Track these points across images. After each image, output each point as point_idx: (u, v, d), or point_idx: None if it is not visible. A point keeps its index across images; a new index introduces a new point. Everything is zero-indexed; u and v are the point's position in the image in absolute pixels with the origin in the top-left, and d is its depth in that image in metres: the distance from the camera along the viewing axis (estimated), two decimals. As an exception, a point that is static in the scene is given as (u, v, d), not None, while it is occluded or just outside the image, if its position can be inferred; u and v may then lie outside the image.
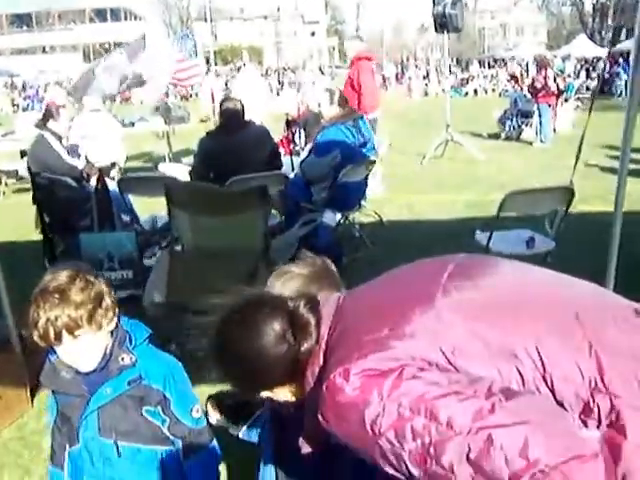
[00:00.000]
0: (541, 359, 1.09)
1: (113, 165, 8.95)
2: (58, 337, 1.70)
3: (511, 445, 0.99)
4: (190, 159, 11.05)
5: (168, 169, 9.06)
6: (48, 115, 6.25)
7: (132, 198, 5.65)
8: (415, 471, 1.06)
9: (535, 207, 4.78)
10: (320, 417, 1.17)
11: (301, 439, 1.36)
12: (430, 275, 1.35)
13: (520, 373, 1.09)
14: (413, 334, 1.14)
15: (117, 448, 1.83)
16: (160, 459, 1.89)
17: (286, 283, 1.55)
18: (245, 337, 1.32)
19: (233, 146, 5.02)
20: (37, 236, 6.63)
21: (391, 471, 1.11)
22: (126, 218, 5.35)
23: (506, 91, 28.19)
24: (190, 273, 4.14)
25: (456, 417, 1.03)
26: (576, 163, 5.50)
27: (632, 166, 4.16)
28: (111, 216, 4.93)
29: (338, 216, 5.89)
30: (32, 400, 3.69)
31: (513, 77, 18.65)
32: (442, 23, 10.93)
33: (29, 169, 5.85)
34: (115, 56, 9.28)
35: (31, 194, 5.57)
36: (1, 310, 3.77)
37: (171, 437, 1.90)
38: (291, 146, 7.47)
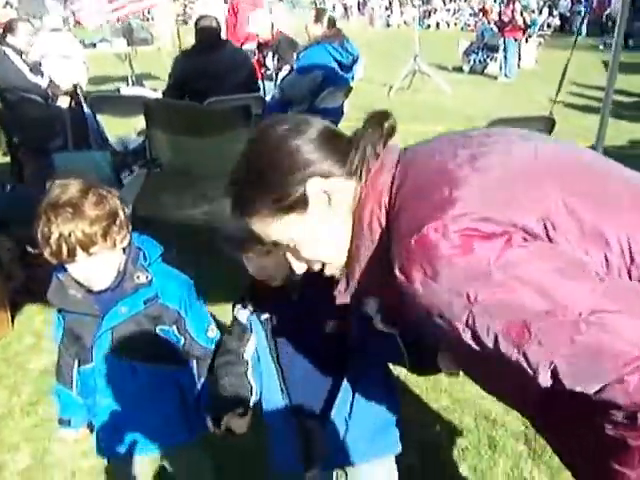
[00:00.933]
0: (630, 251, 1.01)
1: (75, 87, 8.58)
2: (71, 254, 1.57)
3: (623, 331, 0.91)
4: (153, 82, 10.73)
5: (131, 92, 8.74)
6: (6, 30, 5.89)
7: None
8: (505, 346, 0.96)
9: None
10: (399, 274, 1.02)
11: (342, 291, 1.22)
12: (522, 143, 1.16)
13: (607, 260, 1.01)
14: (510, 201, 1.02)
15: (133, 367, 1.76)
16: (175, 378, 1.82)
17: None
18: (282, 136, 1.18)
19: (210, 67, 4.78)
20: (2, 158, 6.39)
21: (472, 342, 1.00)
22: (98, 139, 5.14)
23: (468, 25, 27.95)
24: (164, 191, 3.99)
25: (567, 295, 0.94)
26: (556, 98, 5.53)
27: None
28: (87, 136, 4.71)
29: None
30: (12, 322, 3.61)
31: (482, 10, 18.36)
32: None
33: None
34: None
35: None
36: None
37: (186, 356, 1.83)
38: (262, 70, 7.22)
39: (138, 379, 1.78)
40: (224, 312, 1.92)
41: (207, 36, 5.00)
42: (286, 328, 1.66)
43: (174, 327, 1.79)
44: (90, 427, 1.95)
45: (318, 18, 5.31)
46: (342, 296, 1.24)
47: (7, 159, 5.76)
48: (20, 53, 5.74)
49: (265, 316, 1.67)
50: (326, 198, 1.15)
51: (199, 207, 3.78)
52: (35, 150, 4.91)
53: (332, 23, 5.38)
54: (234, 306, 1.74)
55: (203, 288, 1.89)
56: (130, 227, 1.70)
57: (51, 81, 6.15)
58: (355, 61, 5.43)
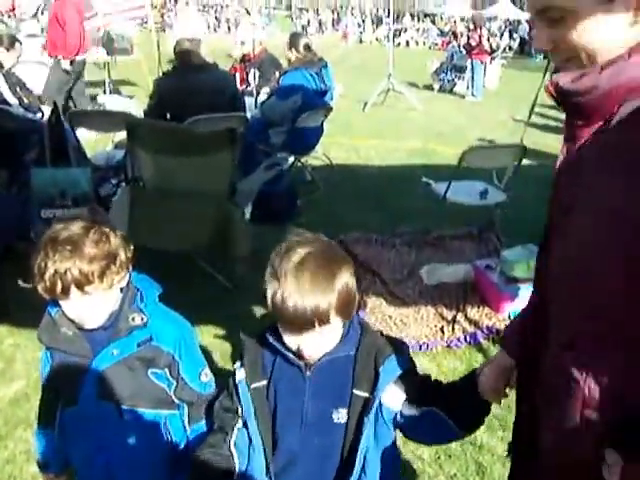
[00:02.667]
0: None
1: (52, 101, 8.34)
2: (65, 291, 1.48)
3: None
4: (130, 90, 10.51)
5: (108, 100, 8.55)
6: None
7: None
8: None
9: (491, 161, 4.80)
10: None
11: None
12: None
13: None
14: None
15: (120, 411, 1.62)
16: (164, 423, 1.69)
17: (302, 266, 1.34)
18: None
19: (192, 88, 4.66)
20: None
21: None
22: (77, 154, 4.92)
23: (436, 44, 28.23)
24: (152, 213, 3.86)
25: None
26: (528, 122, 5.52)
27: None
28: (65, 151, 4.50)
29: (291, 159, 5.69)
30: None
31: (453, 33, 18.72)
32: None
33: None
34: None
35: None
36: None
37: (177, 401, 1.70)
38: (244, 85, 7.10)
39: (125, 424, 1.64)
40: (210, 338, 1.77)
41: (189, 57, 4.85)
42: (288, 405, 1.48)
43: (166, 370, 1.66)
44: (70, 472, 1.80)
45: (292, 44, 5.26)
46: (565, 76, 1.09)
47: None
48: (1, 67, 5.51)
49: (259, 384, 1.48)
50: None
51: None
52: (9, 162, 4.68)
53: (308, 48, 5.33)
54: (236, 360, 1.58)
55: (186, 313, 1.77)
56: (130, 267, 1.62)
57: (26, 89, 5.94)
58: (329, 90, 5.42)
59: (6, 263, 4.14)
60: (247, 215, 4.09)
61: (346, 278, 1.38)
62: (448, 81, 13.94)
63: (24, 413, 2.81)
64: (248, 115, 5.37)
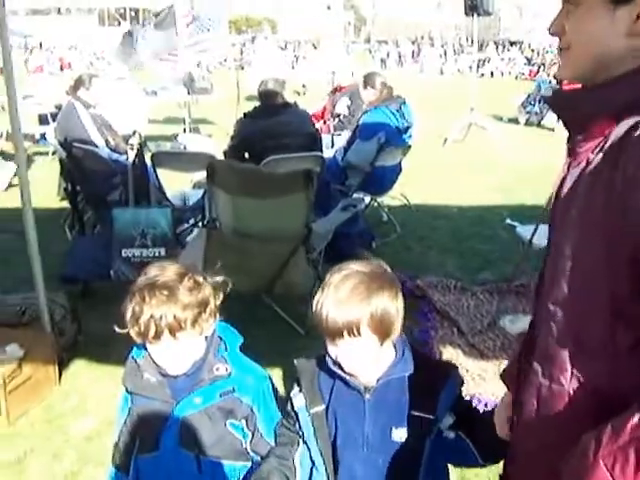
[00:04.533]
0: None
1: (134, 133, 8.81)
2: (158, 336, 1.59)
3: None
4: (209, 129, 10.97)
5: (187, 139, 8.94)
6: (78, 83, 6.06)
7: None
8: None
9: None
10: None
11: None
12: None
13: None
14: None
15: (198, 461, 1.70)
16: (237, 476, 1.76)
17: (345, 280, 1.48)
18: None
19: (272, 128, 4.85)
20: (57, 204, 6.53)
21: None
22: (158, 194, 5.19)
23: (522, 74, 27.86)
24: (228, 254, 4.00)
25: None
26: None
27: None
28: (146, 192, 4.77)
29: (367, 199, 5.76)
30: (59, 381, 3.58)
31: (542, 63, 18.49)
32: (473, 5, 10.63)
33: (60, 137, 5.67)
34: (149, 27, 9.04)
35: (49, 159, 5.41)
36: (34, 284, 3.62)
37: (251, 453, 1.76)
38: (327, 117, 7.35)
39: (203, 473, 1.72)
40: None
41: (269, 99, 5.05)
42: (348, 427, 1.58)
43: (243, 422, 1.74)
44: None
45: (368, 83, 5.36)
46: (565, 70, 1.20)
47: (65, 204, 5.88)
48: (88, 107, 5.89)
49: (318, 409, 1.59)
50: None
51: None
52: (95, 202, 4.99)
53: (385, 85, 5.42)
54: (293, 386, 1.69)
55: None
56: (217, 316, 1.71)
57: (112, 130, 6.31)
58: (410, 127, 5.46)
59: (85, 300, 4.41)
60: (321, 256, 4.17)
61: (385, 299, 1.48)
62: (536, 114, 13.62)
63: (95, 450, 2.93)
64: (328, 154, 5.51)
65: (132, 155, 5.22)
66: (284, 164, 4.70)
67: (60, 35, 37.57)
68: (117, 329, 1.65)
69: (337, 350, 1.50)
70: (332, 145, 6.00)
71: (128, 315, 1.60)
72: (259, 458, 1.77)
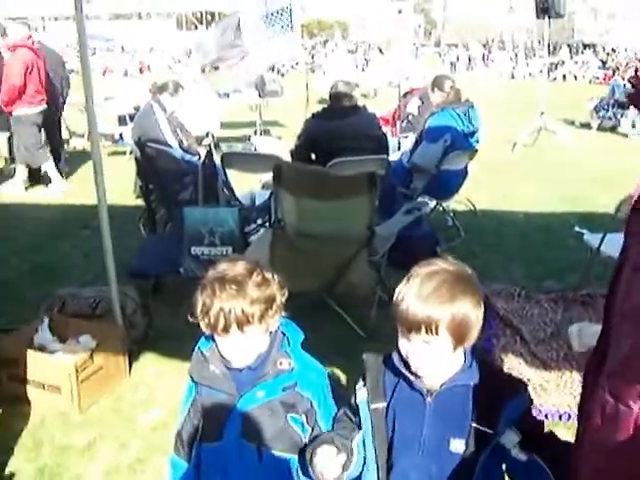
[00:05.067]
0: None
1: (207, 134, 9.02)
2: (226, 329, 1.63)
3: None
4: (279, 131, 11.10)
5: (258, 141, 9.08)
6: (163, 88, 6.24)
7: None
8: None
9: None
10: None
11: None
12: None
13: None
14: None
15: (260, 452, 1.72)
16: (296, 469, 1.77)
17: (432, 276, 1.46)
18: None
19: (339, 130, 4.86)
20: (133, 201, 6.74)
21: None
22: (226, 193, 5.28)
23: (597, 78, 26.89)
24: (291, 254, 4.04)
25: None
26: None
27: None
28: (215, 191, 4.87)
29: (432, 203, 5.69)
30: (129, 373, 3.69)
31: (617, 66, 17.83)
32: (544, 8, 10.36)
33: (135, 137, 5.85)
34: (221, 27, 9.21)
35: (126, 158, 5.60)
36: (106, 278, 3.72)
37: None
38: (396, 117, 7.39)
39: (263, 465, 1.74)
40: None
41: (342, 100, 5.06)
42: (406, 429, 1.56)
43: (304, 416, 1.75)
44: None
45: (436, 85, 5.30)
46: None
47: (140, 202, 6.07)
48: (165, 110, 6.06)
49: (379, 405, 1.58)
50: None
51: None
52: (166, 200, 5.12)
53: (453, 88, 5.35)
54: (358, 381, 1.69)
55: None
56: (282, 312, 1.73)
57: (186, 131, 6.46)
58: (476, 131, 5.37)
59: (156, 295, 4.54)
60: (384, 259, 4.14)
61: (467, 305, 1.45)
62: (609, 118, 13.15)
63: (161, 440, 3.00)
64: (394, 157, 5.47)
65: (203, 154, 5.34)
66: (350, 166, 4.69)
67: (140, 38, 38.77)
68: (190, 319, 1.69)
69: (409, 345, 1.48)
70: (399, 148, 5.96)
71: (198, 307, 1.65)
72: None
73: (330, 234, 3.89)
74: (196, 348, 1.79)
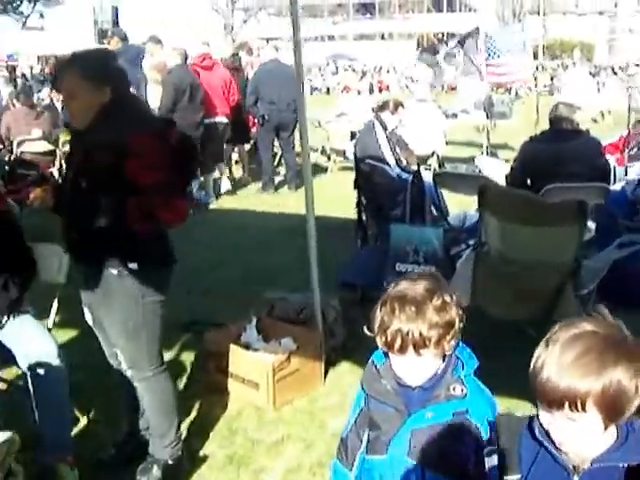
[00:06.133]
0: None
1: (432, 154, 9.04)
2: (403, 350, 1.65)
3: None
4: (507, 154, 10.73)
5: (485, 163, 8.85)
6: (384, 106, 6.44)
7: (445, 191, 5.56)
8: None
9: None
10: None
11: None
12: None
13: None
14: None
15: (423, 474, 1.71)
16: None
17: (575, 341, 1.26)
18: None
19: (557, 155, 4.60)
20: (353, 215, 6.98)
21: None
22: (435, 212, 5.28)
23: None
24: (493, 279, 3.91)
25: None
26: None
27: None
28: (422, 209, 4.90)
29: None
30: (325, 379, 3.80)
31: None
32: None
33: (354, 153, 6.11)
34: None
35: (353, 175, 5.84)
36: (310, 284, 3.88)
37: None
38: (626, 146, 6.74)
39: None
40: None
41: (559, 124, 4.80)
42: None
43: (471, 445, 1.70)
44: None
45: None
46: None
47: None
48: (385, 128, 6.24)
49: (512, 478, 1.42)
50: None
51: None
52: (378, 216, 5.27)
53: None
54: None
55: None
56: (460, 337, 1.71)
57: (407, 149, 6.58)
58: None
59: (362, 307, 4.67)
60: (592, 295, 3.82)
61: (621, 373, 1.23)
62: None
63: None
64: (617, 187, 5.03)
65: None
66: (566, 193, 4.41)
67: (381, 58, 40.13)
68: (366, 331, 1.73)
69: (550, 418, 1.30)
70: (615, 180, 5.42)
71: (377, 323, 1.68)
72: None
73: (532, 262, 3.69)
74: (370, 360, 1.83)
